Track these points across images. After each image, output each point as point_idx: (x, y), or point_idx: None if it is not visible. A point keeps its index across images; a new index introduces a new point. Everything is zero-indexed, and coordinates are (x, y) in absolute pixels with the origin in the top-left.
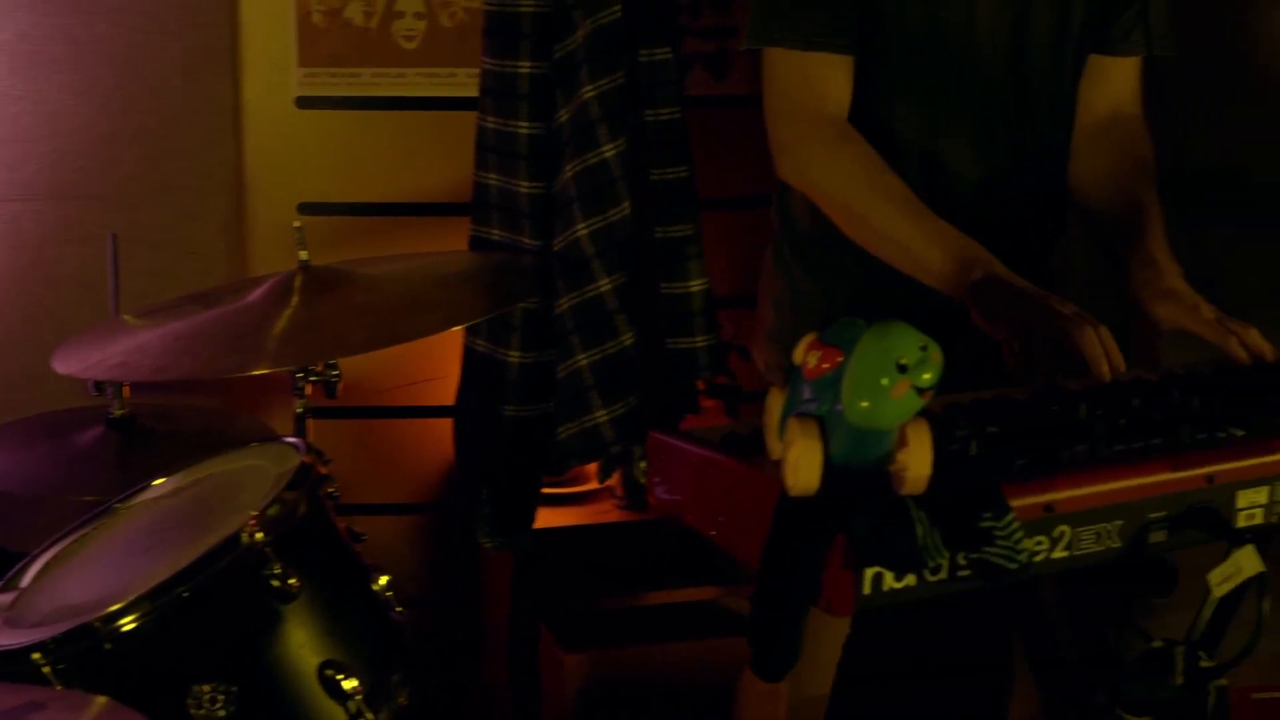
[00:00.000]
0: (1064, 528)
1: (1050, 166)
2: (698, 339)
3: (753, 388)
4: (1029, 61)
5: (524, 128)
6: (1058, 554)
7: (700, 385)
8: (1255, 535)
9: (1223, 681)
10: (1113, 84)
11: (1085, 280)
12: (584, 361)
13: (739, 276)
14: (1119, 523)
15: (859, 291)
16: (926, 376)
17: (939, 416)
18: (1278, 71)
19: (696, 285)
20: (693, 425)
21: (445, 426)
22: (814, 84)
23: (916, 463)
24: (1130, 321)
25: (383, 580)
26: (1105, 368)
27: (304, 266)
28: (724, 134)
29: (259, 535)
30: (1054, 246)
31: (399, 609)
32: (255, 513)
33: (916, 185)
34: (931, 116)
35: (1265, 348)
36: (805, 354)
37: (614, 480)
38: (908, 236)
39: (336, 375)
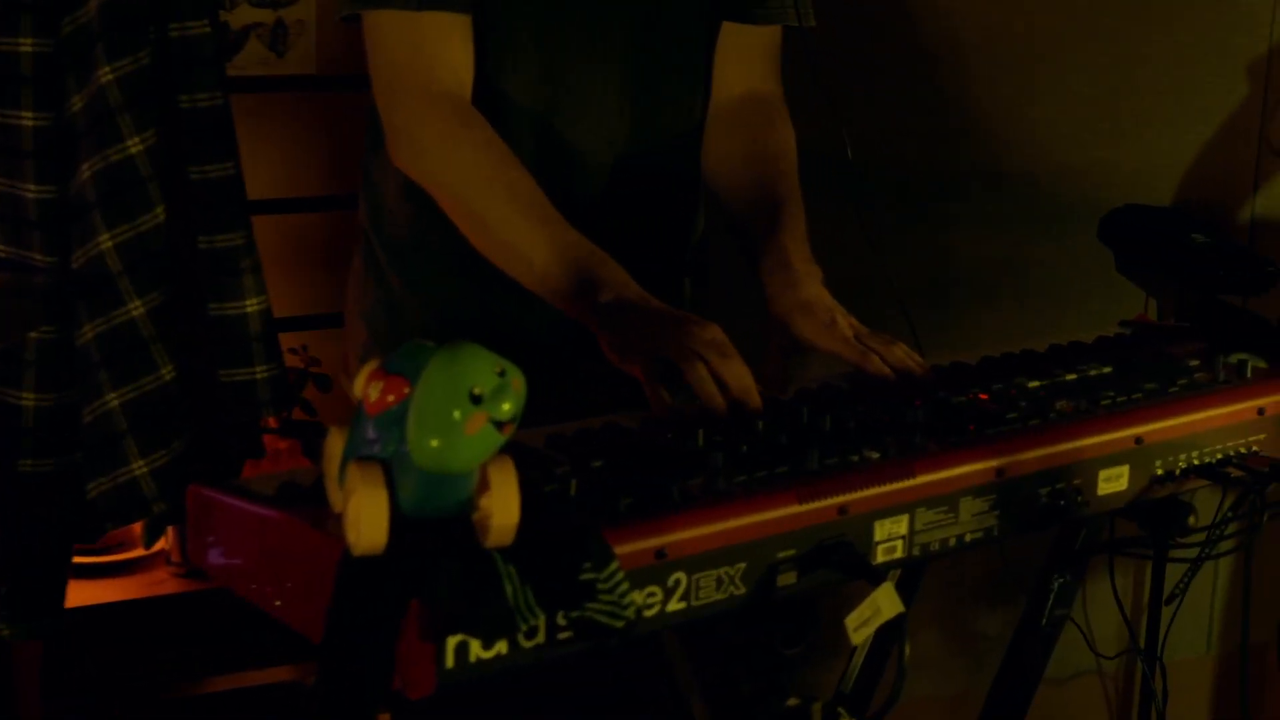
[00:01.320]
0: (679, 575)
1: (690, 149)
2: (257, 369)
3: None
4: (662, 26)
5: (28, 119)
6: (674, 606)
7: (273, 423)
8: (906, 570)
9: None
10: (748, 56)
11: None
12: (115, 402)
13: (319, 290)
14: (742, 565)
15: (471, 304)
16: (506, 407)
17: (533, 452)
18: (942, 47)
19: (253, 304)
20: (260, 472)
21: None
22: (427, 52)
23: (501, 509)
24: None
25: None
26: (719, 404)
27: None
28: (290, 121)
29: None
30: (691, 238)
31: None
32: None
33: (535, 172)
34: (551, 91)
35: (912, 364)
36: (366, 385)
37: (168, 543)
38: (529, 245)
39: None
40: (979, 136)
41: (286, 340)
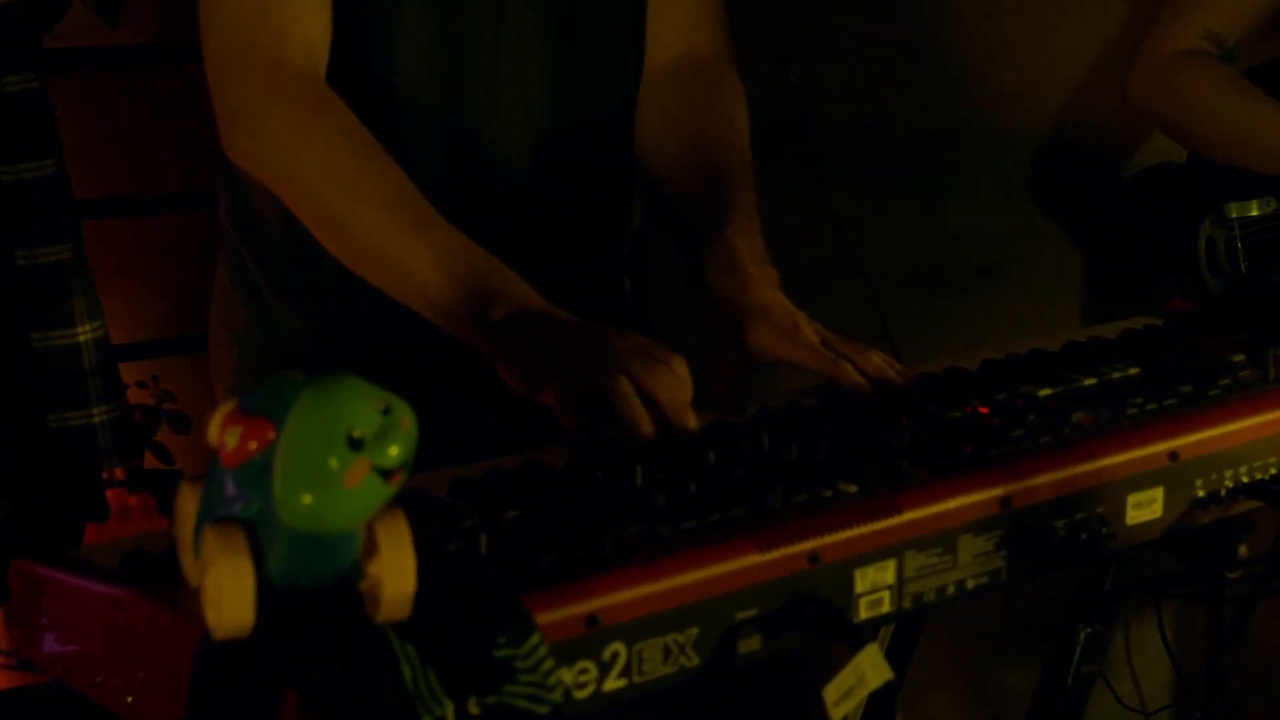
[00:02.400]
0: (617, 646)
1: (622, 126)
2: (95, 411)
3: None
4: None
5: None
6: (611, 684)
7: (119, 474)
8: (899, 626)
9: None
10: (686, 8)
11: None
12: None
13: (168, 307)
14: (694, 631)
15: (364, 319)
16: (393, 452)
17: (434, 501)
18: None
19: (86, 332)
20: (109, 536)
21: None
22: (275, 22)
23: (394, 575)
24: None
25: None
26: (646, 427)
27: None
28: (124, 103)
29: None
30: (628, 230)
31: None
32: None
33: (438, 162)
34: (450, 62)
35: (891, 373)
36: (222, 430)
37: None
38: (403, 252)
39: None
40: (968, 88)
41: (131, 372)
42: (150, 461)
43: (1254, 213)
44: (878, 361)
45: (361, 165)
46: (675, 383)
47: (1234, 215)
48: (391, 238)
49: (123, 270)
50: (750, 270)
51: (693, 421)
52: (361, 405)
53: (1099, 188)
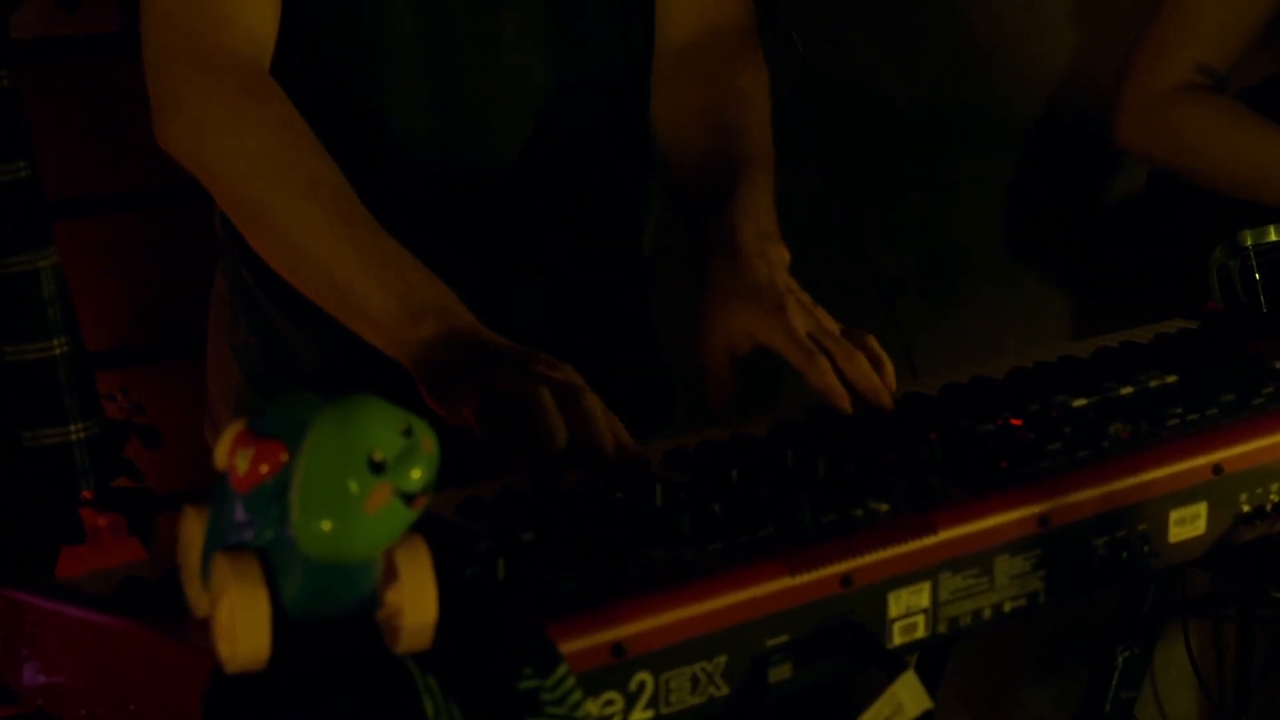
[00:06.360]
0: (643, 675)
1: (634, 108)
2: (72, 428)
3: (182, 486)
4: None
5: None
6: (638, 715)
7: (87, 494)
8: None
9: None
10: None
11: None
12: None
13: (137, 312)
14: (723, 659)
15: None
16: (415, 475)
17: (444, 523)
18: None
19: (62, 344)
20: (77, 559)
21: None
22: (214, 5)
23: (415, 604)
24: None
25: None
26: (560, 438)
27: None
28: (93, 95)
29: None
30: (642, 232)
31: None
32: None
33: (430, 153)
34: (442, 37)
35: (874, 382)
36: (232, 453)
37: None
38: (329, 252)
39: None
40: (985, 71)
41: (101, 383)
42: (123, 482)
43: (1272, 238)
44: (864, 366)
45: (295, 160)
46: (594, 407)
47: (1249, 243)
48: (319, 236)
49: (85, 274)
50: (747, 248)
51: (626, 438)
52: (382, 427)
53: (1107, 206)
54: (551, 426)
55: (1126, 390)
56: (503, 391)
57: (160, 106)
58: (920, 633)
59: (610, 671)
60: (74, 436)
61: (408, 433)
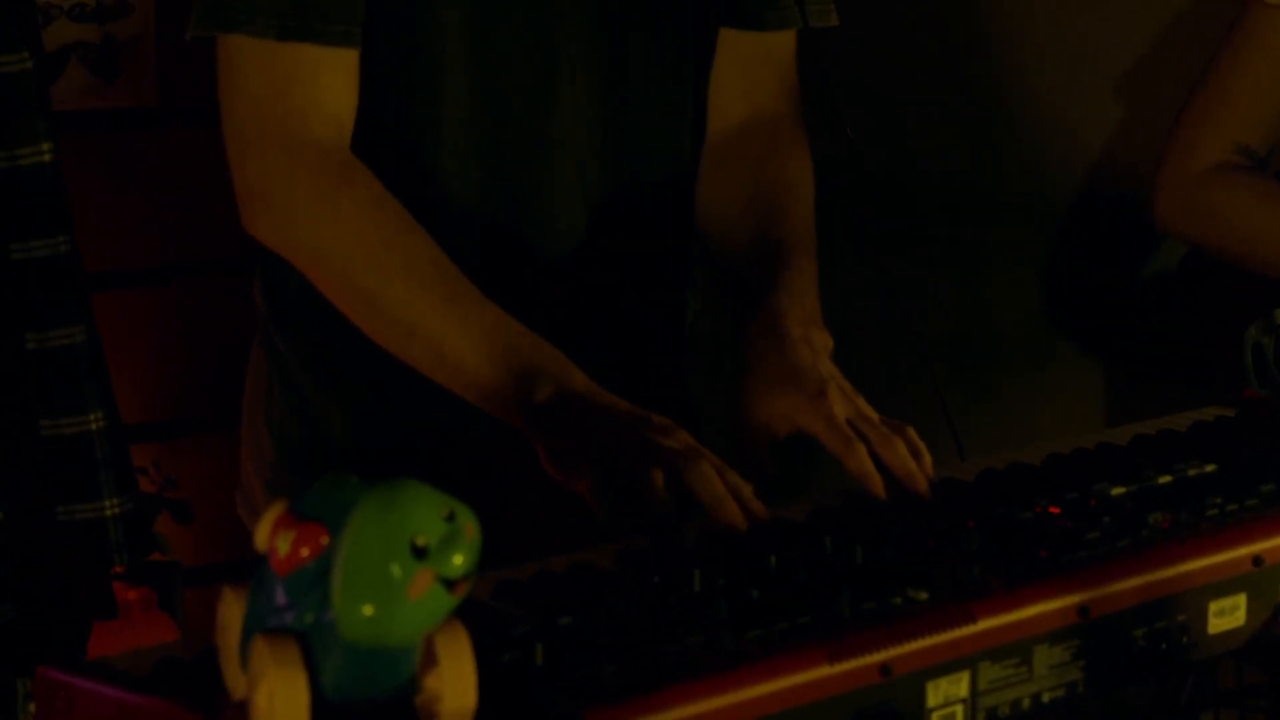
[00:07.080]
0: None
1: (680, 199)
2: (107, 504)
3: (213, 560)
4: (634, 40)
5: None
6: None
7: (119, 569)
8: None
9: None
10: (753, 70)
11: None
12: None
13: (169, 385)
14: None
15: (409, 412)
16: (458, 561)
17: (480, 607)
18: (974, 32)
19: (98, 419)
20: (109, 635)
21: None
22: (298, 92)
23: (454, 690)
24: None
25: None
26: (733, 513)
27: None
28: (131, 168)
29: None
30: (685, 314)
31: None
32: None
33: (479, 242)
34: (496, 130)
35: (911, 468)
36: (273, 535)
37: None
38: (436, 328)
39: None
40: (1023, 153)
41: (134, 456)
42: (154, 556)
43: None
44: (902, 452)
45: (390, 239)
46: (714, 478)
47: None
48: (425, 314)
49: (115, 345)
50: (792, 332)
51: (738, 518)
52: (425, 512)
53: (1142, 285)
54: (661, 507)
55: (1165, 479)
56: (617, 466)
57: (250, 196)
58: None
59: None
60: (108, 512)
61: (450, 518)
